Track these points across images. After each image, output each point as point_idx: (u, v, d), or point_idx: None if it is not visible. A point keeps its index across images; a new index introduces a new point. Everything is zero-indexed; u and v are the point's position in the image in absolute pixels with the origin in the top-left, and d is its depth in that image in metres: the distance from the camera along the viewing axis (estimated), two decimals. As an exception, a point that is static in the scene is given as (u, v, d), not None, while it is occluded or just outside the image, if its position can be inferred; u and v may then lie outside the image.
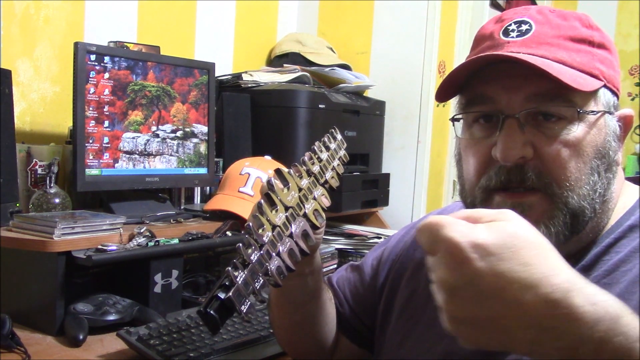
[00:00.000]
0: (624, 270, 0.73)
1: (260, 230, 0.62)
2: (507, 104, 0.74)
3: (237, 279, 0.56)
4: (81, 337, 1.15)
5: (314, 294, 0.92)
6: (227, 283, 0.57)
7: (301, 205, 0.74)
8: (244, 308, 0.56)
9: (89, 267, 1.22)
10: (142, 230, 1.34)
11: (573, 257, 0.77)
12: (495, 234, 0.52)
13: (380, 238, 1.89)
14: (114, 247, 1.25)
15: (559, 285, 0.51)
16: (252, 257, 0.59)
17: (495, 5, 2.75)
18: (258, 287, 0.58)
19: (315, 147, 0.86)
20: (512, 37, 0.76)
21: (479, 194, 0.77)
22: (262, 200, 0.67)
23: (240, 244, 0.60)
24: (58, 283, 1.20)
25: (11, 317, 1.13)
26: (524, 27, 0.76)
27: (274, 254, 0.62)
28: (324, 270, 1.72)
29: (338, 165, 0.89)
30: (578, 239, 0.76)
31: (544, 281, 0.51)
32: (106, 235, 1.29)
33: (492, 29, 0.79)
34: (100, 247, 1.24)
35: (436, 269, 0.54)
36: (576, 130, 0.73)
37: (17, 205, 1.36)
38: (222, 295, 0.55)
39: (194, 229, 1.45)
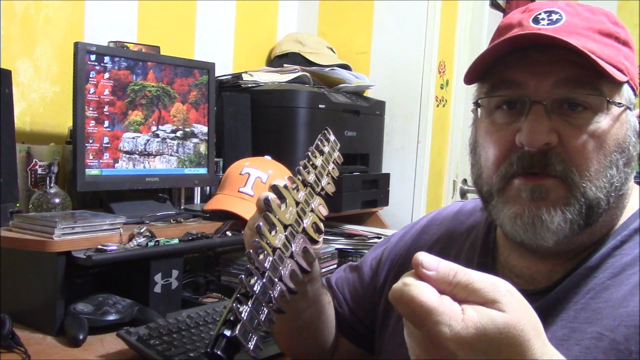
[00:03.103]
0: (629, 273, 0.73)
1: (261, 256, 0.61)
2: (535, 89, 0.74)
3: (242, 315, 0.54)
4: (81, 337, 1.15)
5: (313, 300, 0.91)
6: (231, 319, 0.55)
7: (299, 220, 0.72)
8: (250, 345, 0.54)
9: (89, 267, 1.22)
10: (142, 230, 1.34)
11: (581, 253, 0.77)
12: (481, 329, 0.52)
13: (380, 238, 1.89)
14: (114, 247, 1.25)
15: None
16: (255, 288, 0.57)
17: (495, 5, 2.75)
18: (263, 319, 0.56)
19: (309, 154, 0.85)
20: (543, 24, 0.76)
21: (497, 181, 0.76)
22: (261, 223, 0.65)
23: (243, 276, 0.58)
24: (58, 283, 1.20)
25: (11, 317, 1.13)
26: (554, 17, 0.76)
27: (276, 279, 0.60)
28: (324, 270, 1.72)
29: (333, 169, 0.87)
30: (591, 232, 0.76)
31: None
32: (106, 235, 1.29)
33: (520, 17, 0.79)
34: (100, 247, 1.24)
35: (416, 342, 0.55)
36: (601, 122, 0.73)
37: (17, 205, 1.36)
38: (227, 333, 0.54)
39: (194, 229, 1.45)
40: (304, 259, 0.68)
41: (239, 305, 0.55)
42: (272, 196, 0.71)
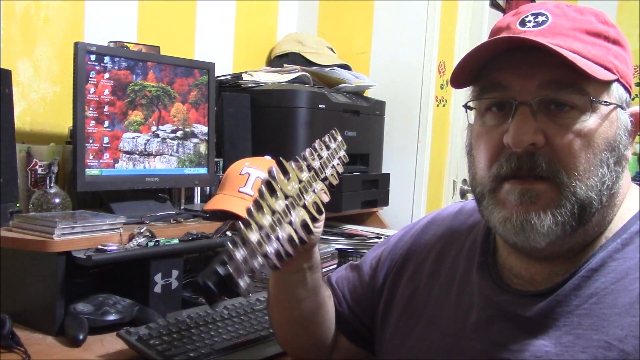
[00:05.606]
0: (633, 278, 0.72)
1: (259, 214, 0.62)
2: (521, 90, 0.74)
3: (236, 255, 0.56)
4: (81, 337, 1.15)
5: (313, 290, 0.92)
6: (226, 258, 0.56)
7: (301, 196, 0.73)
8: (242, 283, 0.55)
9: (89, 267, 1.22)
10: (142, 230, 1.34)
11: (578, 254, 0.77)
12: None
13: (380, 238, 1.88)
14: (114, 247, 1.25)
15: None
16: (251, 237, 0.59)
17: (495, 5, 2.75)
18: (257, 265, 0.58)
19: (316, 145, 0.86)
20: (529, 27, 0.76)
21: (488, 182, 0.77)
22: (263, 187, 0.67)
23: (241, 223, 0.59)
24: (58, 283, 1.20)
25: (11, 317, 1.13)
26: (540, 19, 0.77)
27: (273, 237, 0.61)
28: (324, 270, 1.72)
29: (338, 164, 0.89)
30: (584, 231, 0.76)
31: None
32: (106, 235, 1.29)
33: (509, 21, 0.80)
34: (100, 247, 1.24)
35: None
36: (588, 121, 0.73)
37: (17, 205, 1.36)
38: (220, 270, 0.55)
39: (194, 229, 1.45)
40: (303, 231, 0.69)
41: (234, 248, 0.57)
42: (276, 169, 0.73)
